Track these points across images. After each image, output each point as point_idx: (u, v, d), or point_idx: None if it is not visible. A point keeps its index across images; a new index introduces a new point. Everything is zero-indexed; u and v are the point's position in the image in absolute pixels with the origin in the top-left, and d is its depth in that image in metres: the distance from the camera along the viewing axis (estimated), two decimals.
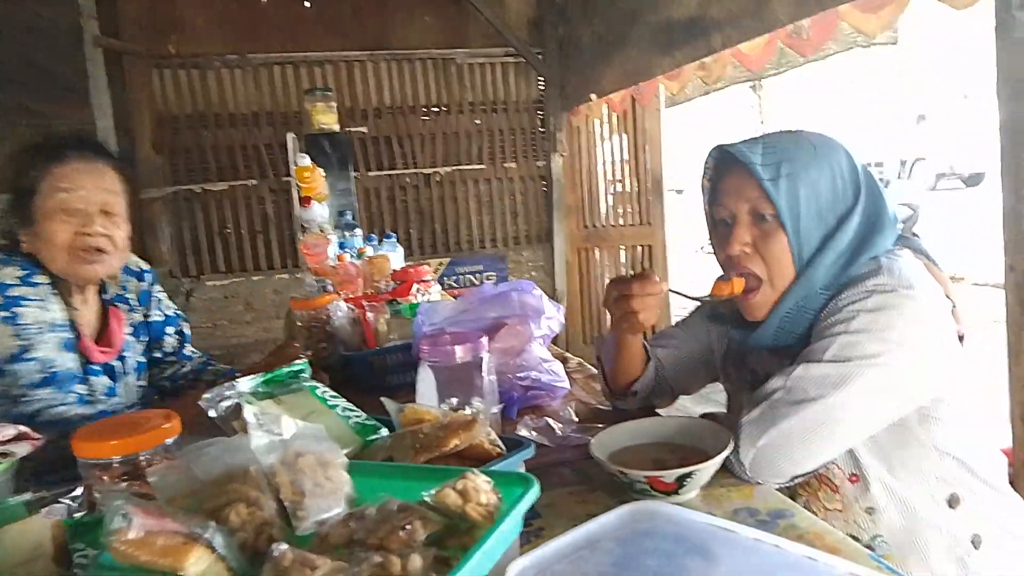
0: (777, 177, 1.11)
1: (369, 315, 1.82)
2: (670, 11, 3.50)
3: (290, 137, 2.30)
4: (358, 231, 2.86)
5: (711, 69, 3.35)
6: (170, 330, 1.74)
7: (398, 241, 3.05)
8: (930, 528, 1.13)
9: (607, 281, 5.16)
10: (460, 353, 1.26)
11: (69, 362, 1.41)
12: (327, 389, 0.99)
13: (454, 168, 5.02)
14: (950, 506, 1.14)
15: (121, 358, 1.58)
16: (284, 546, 0.55)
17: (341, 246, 2.61)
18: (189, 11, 4.38)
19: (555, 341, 1.78)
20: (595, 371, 1.79)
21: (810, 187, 1.12)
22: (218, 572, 0.55)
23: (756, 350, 1.27)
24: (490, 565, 0.56)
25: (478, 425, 0.84)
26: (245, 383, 0.94)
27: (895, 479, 1.14)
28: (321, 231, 2.16)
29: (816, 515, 1.09)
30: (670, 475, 1.01)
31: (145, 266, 1.74)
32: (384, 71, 4.81)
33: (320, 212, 2.17)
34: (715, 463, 1.02)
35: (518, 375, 1.50)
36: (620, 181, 5.33)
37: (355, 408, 0.99)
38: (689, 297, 1.31)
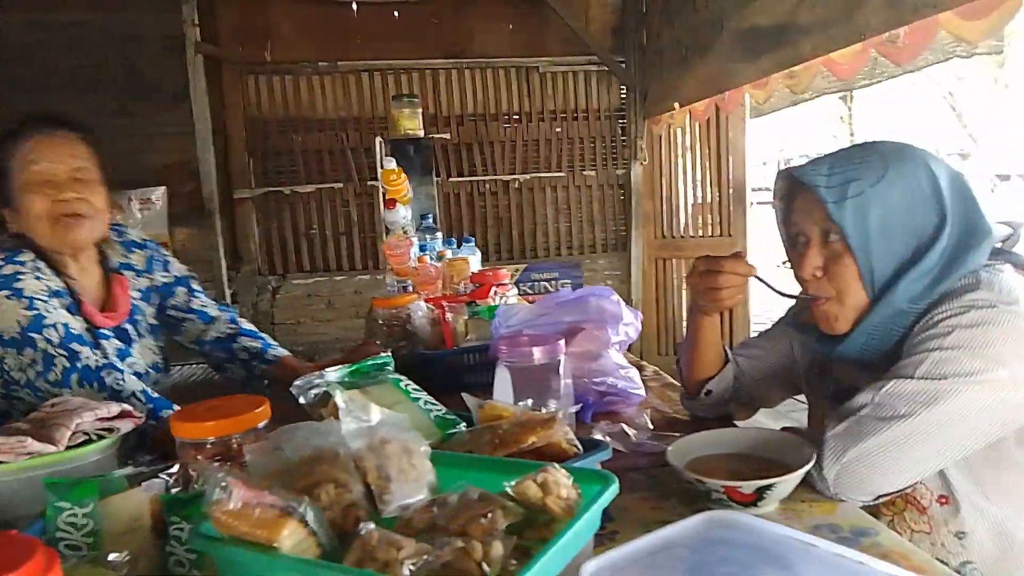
0: (843, 199, 1.07)
1: (448, 315, 1.85)
2: (756, 17, 3.43)
3: (378, 141, 2.37)
4: (438, 234, 2.91)
5: (799, 78, 3.26)
6: (180, 289, 1.81)
7: (476, 245, 3.10)
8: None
9: (685, 287, 5.11)
10: (538, 355, 1.27)
11: (76, 325, 1.47)
12: (410, 382, 1.02)
13: (533, 175, 5.05)
14: None
15: (133, 321, 1.65)
16: (371, 525, 0.57)
17: (422, 248, 2.66)
18: (282, 20, 4.56)
19: (630, 349, 1.78)
20: (671, 380, 1.78)
21: (881, 207, 1.07)
22: (308, 546, 0.58)
23: (840, 362, 1.23)
24: (568, 558, 0.57)
25: (556, 423, 0.85)
26: (333, 373, 0.98)
27: (989, 503, 1.09)
28: (404, 233, 2.22)
29: (901, 535, 1.05)
30: (749, 486, 1.00)
31: (147, 238, 1.82)
32: (467, 79, 4.89)
33: (403, 214, 2.23)
34: (796, 476, 1.00)
35: (594, 380, 1.51)
36: (701, 191, 5.25)
37: (436, 402, 1.02)
38: (773, 289, 1.28)
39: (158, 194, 4.47)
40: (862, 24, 2.77)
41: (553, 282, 5.15)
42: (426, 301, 1.98)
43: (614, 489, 0.65)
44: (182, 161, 4.43)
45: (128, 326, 1.64)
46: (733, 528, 0.90)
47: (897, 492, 1.08)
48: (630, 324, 1.59)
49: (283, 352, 1.91)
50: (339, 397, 0.73)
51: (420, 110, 3.18)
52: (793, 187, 1.19)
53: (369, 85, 4.70)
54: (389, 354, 1.08)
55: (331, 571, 0.55)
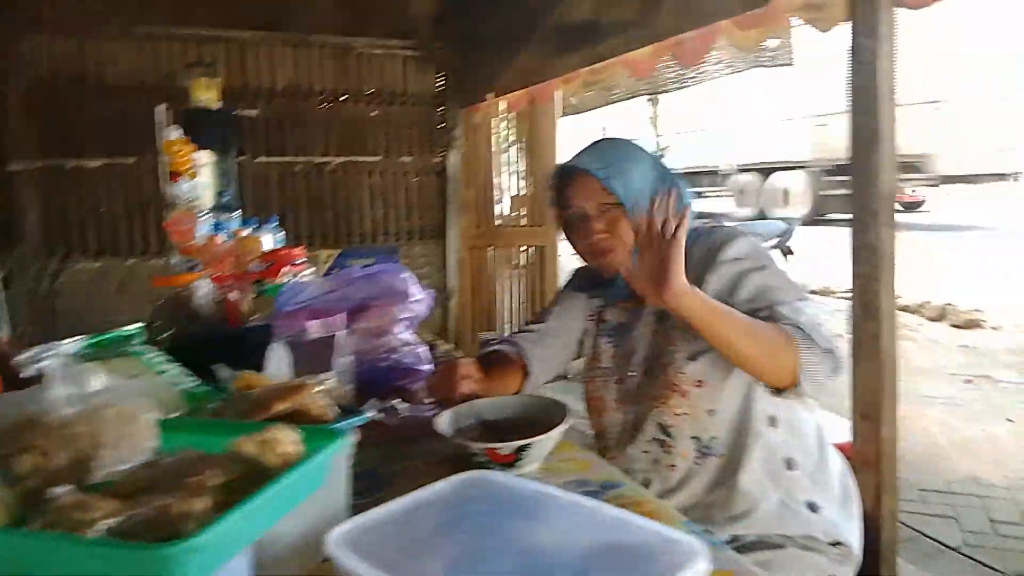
0: (610, 175, 1.38)
1: (232, 294, 1.77)
2: (567, 14, 3.58)
3: (159, 109, 2.20)
4: (237, 213, 2.77)
5: (602, 74, 3.45)
6: None
7: (282, 226, 2.98)
8: (752, 438, 1.31)
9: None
10: (314, 328, 1.25)
11: None
12: (160, 355, 0.96)
13: (348, 158, 4.94)
14: (771, 424, 1.33)
15: None
16: (62, 489, 0.54)
17: (217, 227, 2.52)
18: None
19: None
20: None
21: (634, 176, 1.40)
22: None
23: (613, 306, 1.52)
24: (282, 508, 0.57)
25: (306, 389, 0.84)
26: (70, 345, 0.90)
27: (731, 387, 1.33)
28: (190, 208, 2.09)
29: (667, 423, 1.36)
30: (507, 447, 1.04)
31: None
32: (279, 53, 4.69)
33: (189, 188, 2.10)
34: (551, 436, 1.06)
35: (380, 356, 1.50)
36: (517, 182, 5.40)
37: (192, 376, 0.97)
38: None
39: None
40: (657, 27, 2.97)
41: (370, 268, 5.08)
42: (213, 280, 1.87)
43: (341, 443, 0.65)
44: None
45: None
46: (485, 486, 0.93)
47: None
48: (419, 300, 1.60)
49: None
50: (51, 363, 0.68)
51: (219, 80, 3.00)
52: (567, 175, 1.45)
53: (168, 53, 4.36)
54: (140, 326, 1.01)
55: (22, 538, 0.51)
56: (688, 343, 1.36)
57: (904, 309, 7.27)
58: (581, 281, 1.61)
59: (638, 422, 1.43)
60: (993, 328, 6.43)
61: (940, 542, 3.00)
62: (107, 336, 0.97)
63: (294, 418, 0.85)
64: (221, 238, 2.27)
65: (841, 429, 2.41)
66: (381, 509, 0.86)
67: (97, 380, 0.69)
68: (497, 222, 5.37)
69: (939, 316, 6.91)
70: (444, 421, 1.16)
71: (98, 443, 0.64)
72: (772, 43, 4.49)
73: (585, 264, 1.60)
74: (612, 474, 1.09)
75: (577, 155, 1.46)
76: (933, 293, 7.25)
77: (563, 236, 1.51)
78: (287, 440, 0.61)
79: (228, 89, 4.49)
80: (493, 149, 5.31)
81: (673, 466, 1.39)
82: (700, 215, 1.71)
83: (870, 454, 2.28)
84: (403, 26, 4.86)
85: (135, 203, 4.41)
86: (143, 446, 0.65)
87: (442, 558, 0.76)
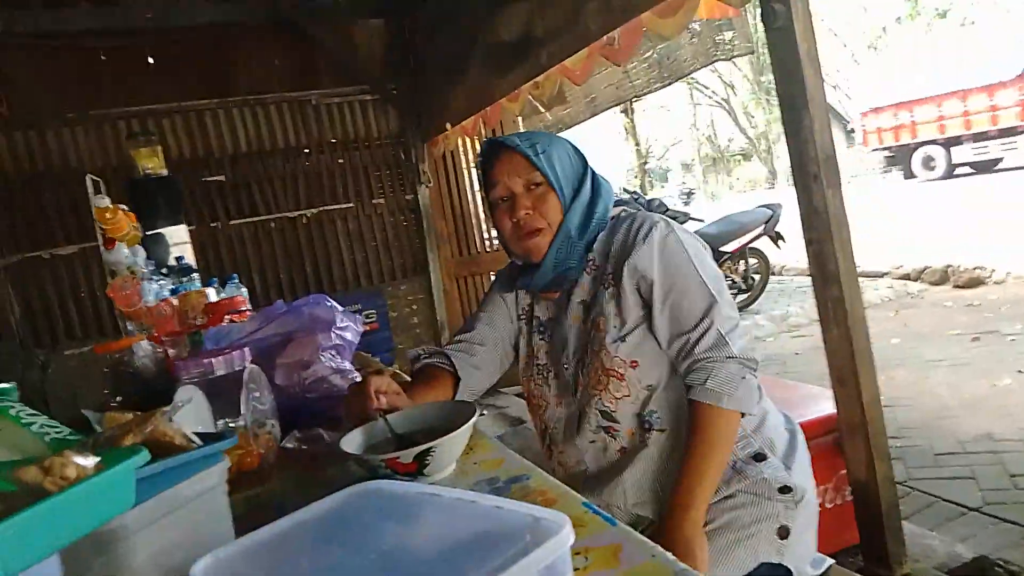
0: (538, 153, 1.39)
1: (170, 351, 1.76)
2: (501, 32, 3.60)
3: (89, 179, 2.21)
4: (195, 275, 2.77)
5: (543, 87, 3.45)
6: None
7: (263, 283, 2.97)
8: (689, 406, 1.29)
9: None
10: (219, 367, 1.23)
11: None
12: (25, 409, 0.94)
13: (321, 208, 4.97)
14: None
15: None
16: None
17: (174, 291, 2.52)
18: (21, 69, 4.21)
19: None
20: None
21: (559, 158, 1.41)
22: None
23: (541, 298, 1.51)
24: (60, 530, 0.54)
25: (153, 419, 0.81)
26: None
27: (662, 358, 1.33)
28: (132, 273, 2.08)
29: (609, 408, 1.35)
30: (406, 455, 1.01)
31: None
32: (236, 117, 4.75)
33: (126, 253, 2.10)
34: (449, 439, 1.02)
35: (308, 388, 1.48)
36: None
37: (59, 426, 0.95)
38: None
39: None
40: (584, 30, 2.98)
41: (358, 312, 5.07)
42: (150, 339, 1.86)
43: (136, 459, 0.62)
44: None
45: None
46: (373, 496, 0.90)
47: None
48: (346, 327, 1.58)
49: None
50: None
51: (159, 147, 3.02)
52: (493, 153, 1.44)
53: (125, 132, 4.41)
54: (10, 384, 0.99)
55: None
56: (615, 327, 1.34)
57: (905, 277, 7.17)
58: (505, 281, 1.57)
59: (581, 414, 1.40)
60: (997, 283, 6.32)
61: (960, 504, 2.91)
62: None
63: (155, 449, 0.82)
64: (171, 300, 2.27)
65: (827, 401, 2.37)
66: (253, 535, 0.83)
67: None
68: (476, 250, 5.36)
69: (941, 279, 6.80)
70: (352, 439, 1.12)
71: None
72: (727, 34, 4.49)
73: (507, 265, 1.58)
74: (522, 468, 1.05)
75: (506, 136, 1.47)
76: (932, 256, 7.17)
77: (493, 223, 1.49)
78: (70, 464, 0.59)
79: (191, 158, 4.57)
80: (462, 177, 5.32)
81: (622, 449, 1.36)
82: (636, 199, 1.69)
83: (854, 420, 2.22)
84: (354, 72, 4.91)
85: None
86: None
87: (307, 573, 0.72)
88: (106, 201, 2.09)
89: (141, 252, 2.20)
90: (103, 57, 4.43)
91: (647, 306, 1.33)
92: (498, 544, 0.70)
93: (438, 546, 0.73)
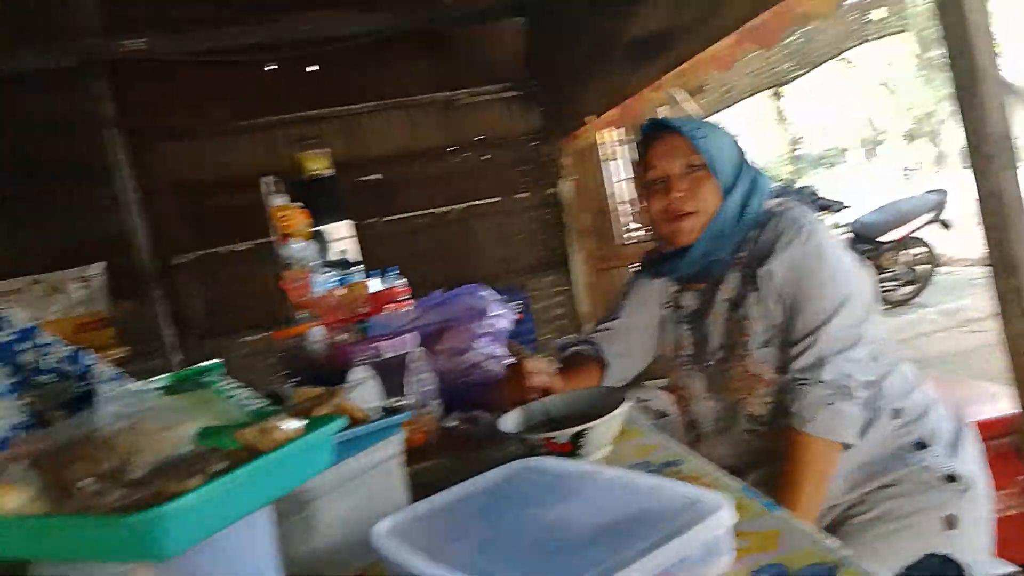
0: (701, 136, 1.37)
1: (339, 336, 1.90)
2: (644, 22, 3.58)
3: (263, 180, 2.43)
4: (354, 268, 2.97)
5: (688, 76, 3.40)
6: (22, 345, 1.75)
7: (409, 277, 3.13)
8: None
9: None
10: (387, 350, 1.32)
11: None
12: (232, 383, 1.06)
13: (467, 205, 5.14)
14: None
15: None
16: (87, 481, 0.62)
17: (341, 282, 2.72)
18: (199, 85, 4.64)
19: None
20: None
21: (719, 145, 1.38)
22: (35, 508, 0.62)
23: (686, 287, 1.48)
24: (272, 485, 0.62)
25: (338, 394, 0.89)
26: (152, 383, 1.02)
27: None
28: (303, 267, 2.27)
29: (756, 412, 1.34)
30: (562, 435, 1.05)
31: None
32: (391, 120, 5.00)
33: (299, 249, 2.28)
34: (603, 421, 1.05)
35: (464, 373, 1.55)
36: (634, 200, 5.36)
37: (257, 399, 1.07)
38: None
39: (94, 270, 4.48)
40: (731, 15, 2.91)
41: None
42: (323, 326, 2.02)
43: (338, 423, 0.70)
44: (115, 235, 4.47)
45: None
46: (534, 472, 0.95)
47: None
48: (499, 316, 1.64)
49: None
50: (103, 387, 0.78)
51: (326, 149, 3.25)
52: (654, 133, 1.42)
53: (294, 137, 4.76)
54: (217, 361, 1.13)
55: (39, 520, 0.60)
56: (760, 331, 1.32)
57: None
58: (651, 267, 1.55)
59: (730, 413, 1.39)
60: None
61: None
62: (186, 371, 1.09)
63: None
64: (339, 290, 2.45)
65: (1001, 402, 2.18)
66: (427, 502, 0.90)
67: (142, 399, 0.79)
68: (619, 241, 5.34)
69: None
70: (509, 420, 1.18)
71: (136, 449, 0.72)
72: (877, 14, 4.22)
73: (652, 249, 1.58)
74: (676, 454, 1.06)
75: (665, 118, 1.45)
76: None
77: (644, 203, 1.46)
78: (282, 426, 0.67)
79: (348, 160, 4.87)
80: (603, 170, 5.31)
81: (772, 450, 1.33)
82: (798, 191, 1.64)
83: None
84: (497, 71, 5.04)
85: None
86: (176, 451, 0.73)
87: (476, 540, 0.78)
88: (280, 199, 2.28)
89: (311, 247, 2.39)
90: (272, 70, 4.80)
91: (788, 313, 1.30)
92: (657, 521, 0.72)
93: (598, 521, 0.76)
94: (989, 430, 1.94)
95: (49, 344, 1.84)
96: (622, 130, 5.09)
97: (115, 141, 4.24)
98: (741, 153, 1.43)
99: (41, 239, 4.40)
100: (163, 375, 1.07)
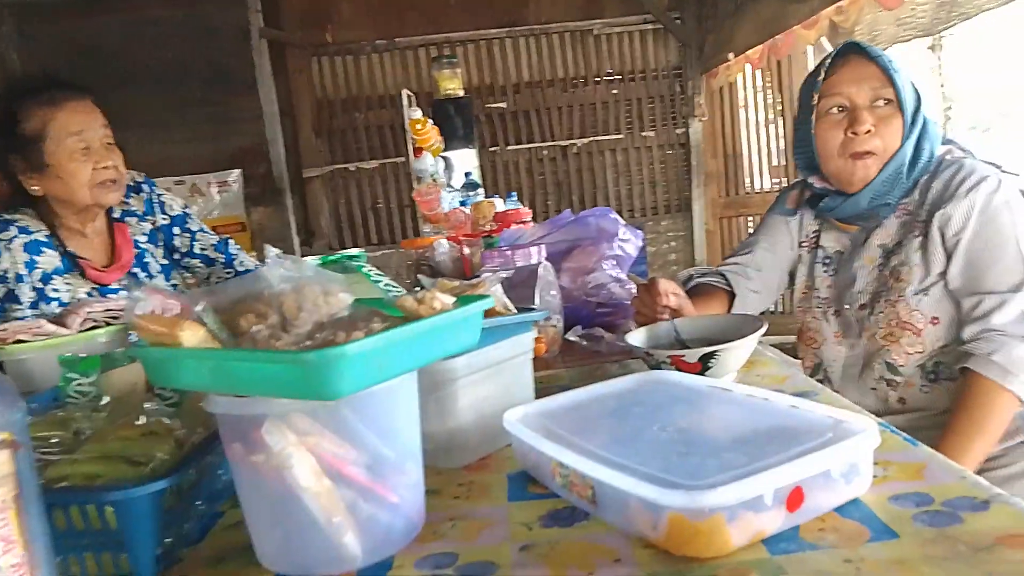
0: (896, 70, 1.28)
1: (465, 249, 1.94)
2: None
3: (404, 93, 2.47)
4: (480, 191, 3.00)
5: (848, 13, 3.16)
6: (176, 230, 1.85)
7: (520, 200, 3.17)
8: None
9: None
10: (518, 259, 1.34)
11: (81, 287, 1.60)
12: (374, 269, 1.11)
13: (591, 139, 5.07)
14: None
15: (143, 265, 1.73)
16: (260, 327, 0.67)
17: (463, 204, 2.76)
18: (342, 3, 4.75)
19: None
20: None
21: (906, 82, 1.29)
22: (209, 344, 0.68)
23: (833, 229, 1.43)
24: (430, 348, 0.65)
25: (482, 285, 0.92)
26: (309, 260, 1.09)
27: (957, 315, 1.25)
28: (433, 180, 2.32)
29: (897, 363, 1.29)
30: (693, 354, 1.04)
31: (139, 177, 1.83)
32: (522, 47, 4.96)
33: (431, 163, 2.32)
34: (736, 344, 1.03)
35: (588, 293, 1.56)
36: (767, 145, 5.12)
37: (399, 287, 1.11)
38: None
39: (234, 176, 4.76)
40: None
41: None
42: (450, 239, 2.07)
43: (484, 304, 0.72)
44: (255, 144, 4.70)
45: (138, 270, 1.73)
46: (661, 383, 0.95)
47: None
48: (628, 240, 1.63)
49: None
50: (269, 251, 0.83)
51: (460, 70, 3.27)
52: (842, 57, 1.32)
53: (426, 59, 4.82)
54: (361, 251, 1.18)
55: (223, 353, 0.65)
56: (919, 278, 1.26)
57: None
58: (790, 203, 1.49)
59: (866, 360, 1.34)
60: None
61: None
62: (336, 256, 1.14)
63: None
64: (466, 208, 2.49)
65: None
66: (559, 397, 0.92)
67: (306, 269, 0.83)
68: (745, 190, 5.14)
69: None
70: (638, 336, 1.18)
71: (300, 307, 0.77)
72: None
73: (794, 184, 1.52)
74: (808, 385, 1.03)
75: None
76: None
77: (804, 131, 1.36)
78: (440, 298, 0.69)
79: (479, 86, 4.88)
80: (738, 112, 5.09)
81: (901, 399, 1.29)
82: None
83: None
84: (638, 1, 4.86)
85: (408, 197, 4.95)
86: (336, 312, 0.77)
87: (604, 435, 0.79)
88: (418, 113, 2.33)
89: (442, 163, 2.43)
90: None
91: (950, 259, 1.23)
92: (798, 436, 0.70)
93: (736, 432, 0.76)
94: None
95: (200, 231, 1.99)
96: (762, 74, 4.84)
97: (263, 53, 4.41)
98: (919, 95, 1.33)
99: (187, 144, 4.67)
100: (311, 258, 1.12)
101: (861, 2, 3.04)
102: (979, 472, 1.21)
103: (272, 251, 0.87)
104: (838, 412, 0.75)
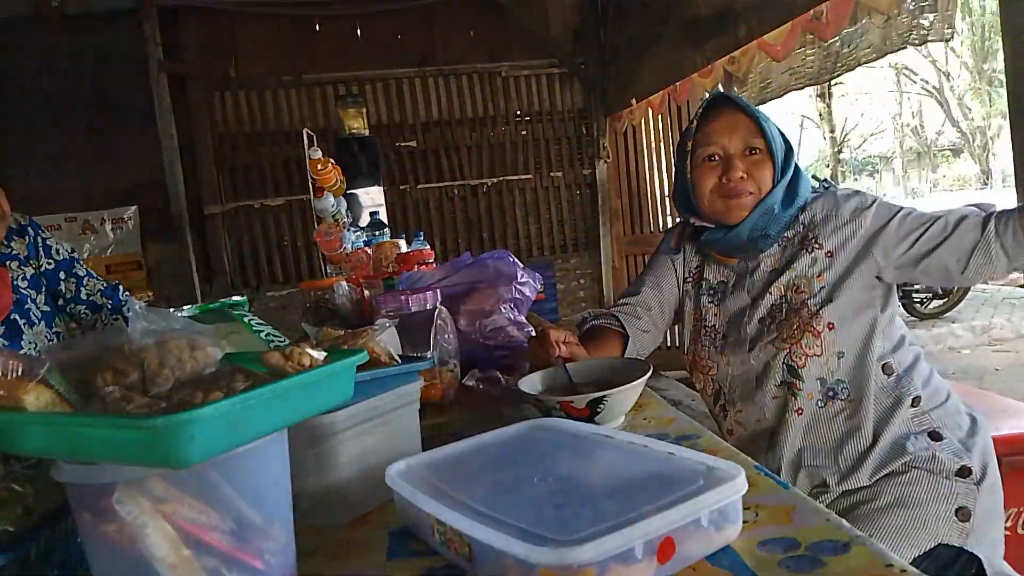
0: (764, 120, 1.38)
1: (366, 292, 1.91)
2: (698, 6, 3.52)
3: (305, 132, 2.43)
4: (386, 230, 2.98)
5: (739, 62, 3.34)
6: (62, 275, 1.78)
7: (430, 238, 3.17)
8: (872, 380, 1.30)
9: None
10: (413, 304, 1.33)
11: None
12: (255, 318, 1.07)
13: (501, 178, 5.13)
14: (884, 368, 1.32)
15: (23, 311, 1.65)
16: (114, 387, 0.63)
17: (367, 243, 2.73)
18: (246, 36, 4.68)
19: None
20: None
21: (775, 131, 1.40)
22: (56, 406, 0.63)
23: (717, 261, 1.49)
24: (293, 408, 0.62)
25: (367, 334, 0.90)
26: (186, 310, 1.04)
27: (857, 328, 1.32)
28: (335, 220, 2.28)
29: (797, 364, 1.32)
30: (580, 400, 1.05)
31: (24, 220, 1.76)
32: (431, 86, 4.99)
33: (332, 203, 2.29)
34: (622, 389, 1.05)
35: (487, 335, 1.56)
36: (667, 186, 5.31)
37: (282, 336, 1.08)
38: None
39: (129, 212, 4.57)
40: (790, 3, 2.85)
41: None
42: (349, 281, 2.03)
43: (354, 359, 0.70)
44: (152, 179, 4.53)
45: (16, 316, 1.64)
46: (550, 431, 0.95)
47: None
48: (525, 283, 1.64)
49: None
50: (134, 303, 0.79)
51: (364, 110, 3.25)
52: (716, 108, 1.42)
53: (334, 96, 4.78)
54: (243, 297, 1.14)
55: (65, 417, 0.61)
56: (820, 287, 1.34)
57: None
58: (673, 242, 1.56)
59: (764, 368, 1.38)
60: None
61: None
62: (216, 304, 1.10)
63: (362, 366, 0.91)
64: (369, 248, 2.46)
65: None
66: (442, 449, 0.90)
67: (174, 321, 0.79)
68: (649, 229, 5.30)
69: None
70: (531, 381, 1.18)
71: (163, 363, 0.73)
72: (927, 20, 4.11)
73: (676, 225, 1.58)
74: (692, 428, 1.06)
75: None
76: None
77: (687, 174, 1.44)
78: (310, 353, 0.67)
79: (388, 124, 4.87)
80: (642, 154, 5.27)
81: (800, 410, 1.33)
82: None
83: None
84: (544, 46, 4.99)
85: (312, 235, 4.85)
86: (204, 368, 0.74)
87: (484, 488, 0.78)
88: (319, 153, 2.29)
89: (344, 203, 2.39)
90: (318, 27, 4.81)
91: (868, 250, 1.32)
92: (671, 485, 0.72)
93: (612, 481, 0.76)
94: (1008, 446, 1.92)
95: (88, 276, 1.89)
96: (664, 118, 5.03)
97: (161, 85, 4.28)
98: (788, 143, 1.43)
99: (79, 178, 4.44)
100: (191, 305, 1.08)
101: (751, 53, 3.22)
102: (853, 506, 1.27)
103: (135, 303, 0.83)
104: (710, 459, 0.76)
